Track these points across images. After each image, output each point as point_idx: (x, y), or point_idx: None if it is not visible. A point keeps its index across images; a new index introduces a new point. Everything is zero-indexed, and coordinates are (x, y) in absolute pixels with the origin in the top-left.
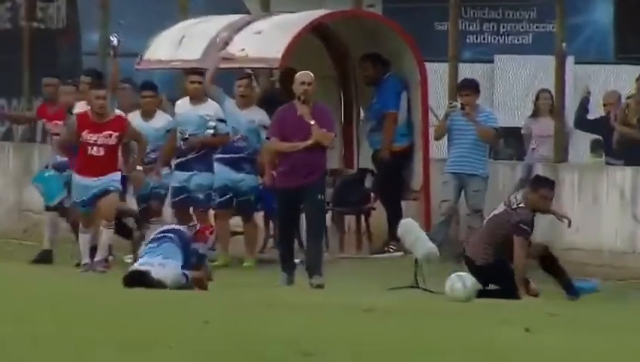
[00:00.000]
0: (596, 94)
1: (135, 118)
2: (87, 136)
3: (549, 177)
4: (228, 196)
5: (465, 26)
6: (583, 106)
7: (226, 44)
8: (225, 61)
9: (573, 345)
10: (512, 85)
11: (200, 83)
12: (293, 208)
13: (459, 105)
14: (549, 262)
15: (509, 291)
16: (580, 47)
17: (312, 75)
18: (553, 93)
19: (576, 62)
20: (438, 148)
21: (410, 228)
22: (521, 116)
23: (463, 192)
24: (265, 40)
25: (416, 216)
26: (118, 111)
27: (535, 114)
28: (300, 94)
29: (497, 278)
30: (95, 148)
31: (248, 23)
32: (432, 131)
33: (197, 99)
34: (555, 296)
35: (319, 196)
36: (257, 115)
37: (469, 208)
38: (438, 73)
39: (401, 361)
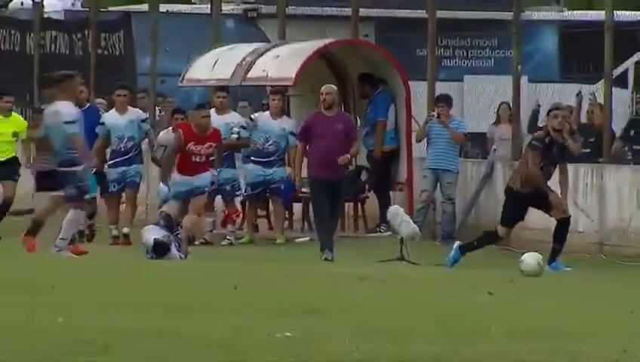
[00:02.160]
0: (545, 106)
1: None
2: (193, 147)
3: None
4: (259, 190)
5: (440, 52)
6: (534, 116)
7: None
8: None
9: (529, 307)
10: (478, 99)
11: (225, 97)
12: (325, 195)
13: (436, 115)
14: (560, 228)
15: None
16: (532, 69)
17: (332, 86)
18: (511, 105)
19: (529, 81)
20: (419, 149)
21: (396, 212)
22: (485, 124)
23: (438, 184)
24: (282, 63)
25: (401, 203)
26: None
27: (497, 121)
28: (321, 102)
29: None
30: (198, 156)
31: (268, 49)
32: (414, 135)
33: (222, 110)
34: (512, 266)
35: (342, 190)
36: (287, 124)
37: (444, 197)
38: (419, 90)
39: (389, 319)
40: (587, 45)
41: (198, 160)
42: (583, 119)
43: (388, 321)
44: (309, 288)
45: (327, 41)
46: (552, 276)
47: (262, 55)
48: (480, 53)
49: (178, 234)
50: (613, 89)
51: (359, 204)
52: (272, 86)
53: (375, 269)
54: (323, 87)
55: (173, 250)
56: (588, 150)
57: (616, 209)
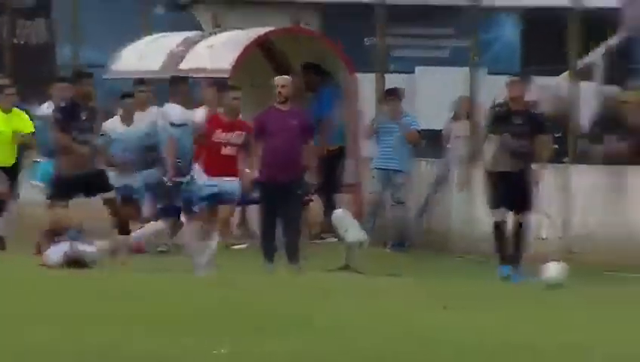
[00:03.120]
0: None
1: (115, 122)
2: (221, 135)
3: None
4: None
5: (390, 41)
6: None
7: (182, 57)
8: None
9: (487, 321)
10: (432, 93)
11: (145, 91)
12: (274, 201)
13: (386, 110)
14: (516, 231)
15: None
16: (491, 59)
17: (288, 78)
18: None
19: (488, 73)
20: (368, 148)
21: (343, 217)
22: (439, 120)
23: (388, 186)
24: (217, 53)
25: (348, 206)
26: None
27: (454, 117)
28: (277, 96)
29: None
30: (229, 148)
31: (202, 38)
32: (362, 133)
33: (142, 106)
34: (472, 276)
35: (298, 191)
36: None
37: (394, 200)
38: (367, 82)
39: (335, 335)
40: (551, 34)
41: (229, 152)
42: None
43: (344, 339)
44: (252, 300)
45: (266, 29)
46: (510, 287)
47: (195, 44)
48: (434, 42)
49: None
50: (579, 82)
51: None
52: (205, 78)
53: (320, 279)
54: (278, 79)
55: (85, 247)
56: (555, 146)
57: (583, 213)
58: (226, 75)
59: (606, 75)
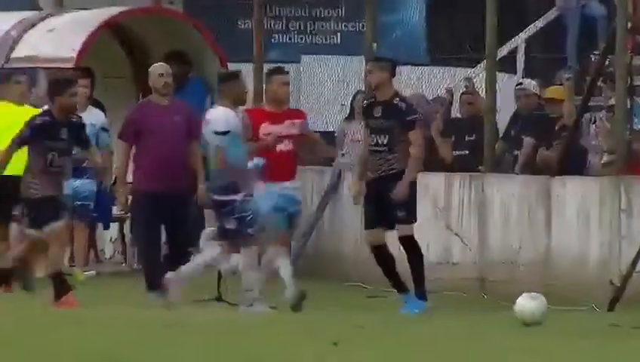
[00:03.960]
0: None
1: None
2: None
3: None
4: None
5: (270, 24)
6: None
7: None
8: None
9: (381, 358)
10: (320, 87)
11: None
12: (157, 215)
13: None
14: (406, 253)
15: None
16: (391, 47)
17: (166, 65)
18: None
19: None
20: None
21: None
22: (329, 119)
23: None
24: (59, 38)
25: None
26: None
27: (351, 116)
28: (160, 87)
29: None
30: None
31: (41, 19)
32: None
33: None
34: (362, 307)
35: (188, 208)
36: (95, 118)
37: None
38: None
39: None
40: (463, 17)
41: (284, 147)
42: (459, 112)
43: None
44: (100, 339)
45: (119, 9)
46: (415, 319)
47: (32, 27)
48: (322, 26)
49: None
50: (497, 74)
51: None
52: (45, 68)
53: (186, 312)
54: (158, 67)
55: None
56: (466, 151)
57: (502, 233)
58: (69, 64)
59: (528, 67)
